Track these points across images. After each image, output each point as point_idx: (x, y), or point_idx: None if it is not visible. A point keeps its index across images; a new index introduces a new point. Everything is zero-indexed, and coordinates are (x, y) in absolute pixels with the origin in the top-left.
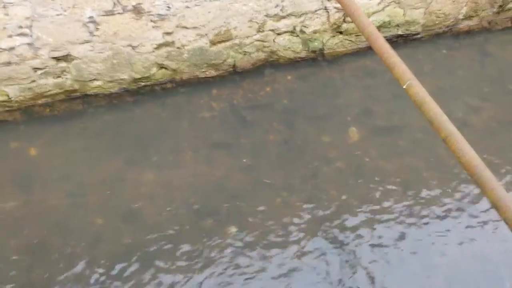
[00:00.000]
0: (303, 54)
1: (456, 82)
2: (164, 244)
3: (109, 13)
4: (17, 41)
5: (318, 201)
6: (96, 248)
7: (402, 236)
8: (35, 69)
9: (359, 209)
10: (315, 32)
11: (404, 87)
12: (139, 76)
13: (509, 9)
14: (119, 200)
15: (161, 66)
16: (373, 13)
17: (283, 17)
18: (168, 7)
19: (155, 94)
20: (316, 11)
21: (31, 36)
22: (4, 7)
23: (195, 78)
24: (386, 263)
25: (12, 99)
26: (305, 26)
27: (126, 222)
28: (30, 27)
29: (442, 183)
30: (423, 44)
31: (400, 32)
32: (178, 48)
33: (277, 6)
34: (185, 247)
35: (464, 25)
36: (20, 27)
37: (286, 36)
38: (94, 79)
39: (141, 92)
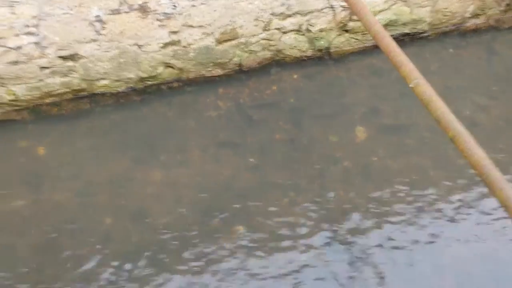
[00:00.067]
0: (309, 53)
1: (463, 80)
2: (172, 243)
3: (116, 12)
4: (24, 40)
5: (325, 200)
6: (104, 247)
7: (410, 236)
8: (42, 68)
9: (367, 209)
10: (321, 30)
11: (411, 86)
12: (145, 75)
13: None
14: (127, 199)
15: (168, 65)
16: (380, 11)
17: (289, 16)
18: (174, 6)
19: (162, 93)
20: (322, 9)
21: (38, 35)
22: (10, 5)
23: (201, 77)
24: (394, 263)
25: (19, 98)
26: (311, 25)
27: (134, 221)
28: (37, 26)
29: (450, 182)
30: (429, 43)
31: (406, 31)
32: (184, 47)
33: (283, 4)
34: (193, 247)
35: (471, 23)
36: (27, 26)
37: (292, 35)
38: (101, 78)
39: (148, 91)
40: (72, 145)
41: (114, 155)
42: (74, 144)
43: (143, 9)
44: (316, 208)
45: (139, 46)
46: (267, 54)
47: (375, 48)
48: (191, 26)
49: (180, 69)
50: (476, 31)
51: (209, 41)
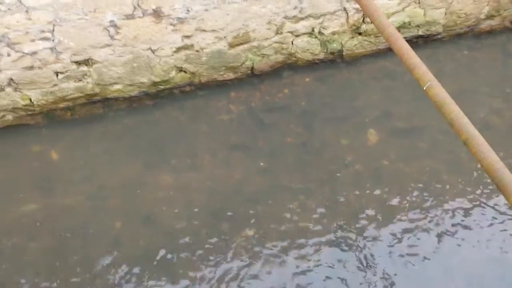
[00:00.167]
0: (322, 56)
1: (478, 83)
2: (182, 247)
3: (130, 17)
4: (40, 46)
5: (335, 204)
6: (115, 251)
7: (421, 240)
8: (57, 73)
9: (378, 213)
10: (334, 33)
11: (424, 88)
12: (158, 80)
13: None
14: (138, 203)
15: (180, 69)
16: (393, 13)
17: (302, 19)
18: (188, 10)
19: (174, 97)
20: (335, 12)
21: (53, 40)
22: (26, 11)
23: (213, 81)
24: (405, 267)
25: (34, 103)
26: (323, 28)
27: (145, 225)
28: (52, 31)
29: (463, 186)
30: (444, 45)
31: (420, 33)
32: (197, 51)
33: (295, 7)
34: (203, 250)
35: (486, 25)
36: (43, 31)
37: (305, 38)
38: (115, 83)
39: (161, 96)
40: (85, 149)
41: (127, 159)
42: (87, 149)
43: (157, 14)
44: (327, 211)
45: (153, 51)
46: (279, 57)
47: (388, 51)
48: (204, 31)
49: (193, 73)
50: (491, 32)
51: (222, 45)
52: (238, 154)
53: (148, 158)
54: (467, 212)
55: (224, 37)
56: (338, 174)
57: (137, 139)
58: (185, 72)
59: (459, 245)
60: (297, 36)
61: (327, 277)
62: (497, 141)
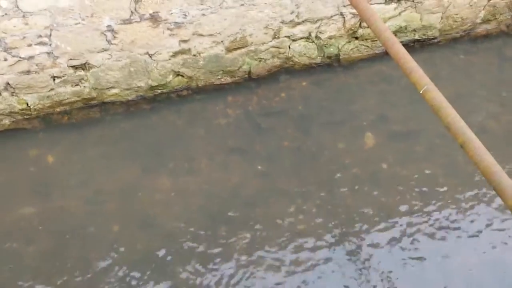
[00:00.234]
0: (319, 60)
1: (474, 87)
2: (179, 251)
3: (127, 21)
4: (37, 50)
5: (333, 208)
6: (113, 254)
7: (419, 243)
8: (54, 77)
9: (375, 216)
10: (330, 37)
11: (421, 92)
12: (155, 84)
13: None
14: (135, 207)
15: (177, 74)
16: (390, 18)
17: (299, 23)
18: (185, 15)
19: (171, 101)
20: (332, 16)
21: (50, 45)
22: (23, 16)
23: (210, 85)
24: (403, 271)
25: (31, 107)
26: (320, 32)
27: (142, 229)
28: (49, 36)
29: (460, 189)
30: (440, 49)
31: (416, 37)
32: (194, 55)
33: (292, 12)
34: (200, 254)
35: (482, 29)
36: (40, 36)
37: (302, 42)
38: (112, 87)
39: (158, 100)
40: (82, 153)
41: (124, 163)
42: (84, 153)
43: (154, 19)
44: (324, 215)
45: (150, 55)
46: (276, 61)
47: (385, 55)
48: (201, 35)
49: (190, 77)
50: (487, 36)
51: (219, 50)
52: (236, 158)
53: (145, 162)
54: (464, 215)
55: (221, 41)
56: (335, 178)
57: (134, 143)
58: (182, 76)
59: (457, 248)
60: (294, 40)
61: (325, 280)
62: (493, 145)
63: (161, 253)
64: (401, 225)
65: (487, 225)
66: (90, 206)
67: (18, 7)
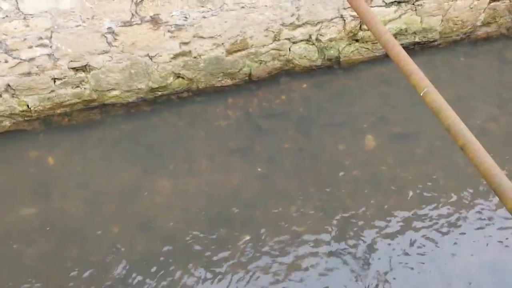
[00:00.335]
0: (319, 62)
1: (474, 89)
2: (179, 252)
3: (127, 23)
4: (37, 52)
5: (333, 210)
6: (112, 256)
7: (418, 246)
8: (54, 79)
9: (375, 218)
10: (331, 40)
11: (421, 94)
12: (156, 86)
13: None
14: (135, 209)
15: (178, 76)
16: (390, 20)
17: (299, 26)
18: (185, 17)
19: (172, 103)
20: (332, 19)
21: (50, 47)
22: (24, 18)
23: (211, 87)
24: (402, 273)
25: (31, 109)
26: (321, 35)
27: (141, 230)
28: (50, 38)
29: (460, 192)
30: (440, 52)
31: (417, 40)
32: (194, 57)
33: (293, 15)
34: (200, 255)
35: (482, 32)
36: (40, 38)
37: (302, 45)
38: (112, 89)
39: (158, 101)
40: (82, 155)
41: (124, 165)
42: (85, 154)
43: (155, 21)
44: (324, 217)
45: (150, 57)
46: (277, 64)
47: (385, 57)
48: (202, 37)
49: (190, 80)
50: (487, 39)
51: (219, 52)
52: (236, 160)
53: (145, 163)
54: (464, 217)
55: (222, 43)
56: (335, 180)
57: (134, 145)
58: (182, 78)
59: (457, 250)
60: (294, 43)
61: (325, 282)
62: (493, 147)
63: (161, 254)
64: (401, 227)
65: (487, 227)
66: (90, 207)
67: (19, 9)
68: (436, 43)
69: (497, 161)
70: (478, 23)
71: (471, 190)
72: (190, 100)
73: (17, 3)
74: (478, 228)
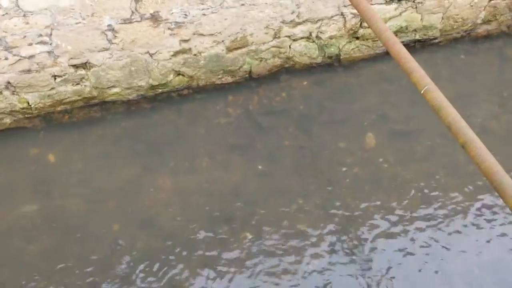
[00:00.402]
0: (319, 60)
1: (475, 87)
2: (180, 250)
3: (127, 21)
4: (37, 49)
5: (333, 208)
6: (112, 254)
7: (420, 244)
8: (55, 76)
9: (376, 216)
10: (331, 37)
11: (422, 92)
12: (156, 83)
13: None
14: (136, 206)
15: (178, 73)
16: (390, 18)
17: (299, 23)
18: (185, 14)
19: (172, 100)
20: (332, 17)
21: (50, 44)
22: (24, 15)
23: (211, 85)
24: (403, 271)
25: (32, 106)
26: (321, 32)
27: (142, 228)
28: (49, 35)
29: (460, 189)
30: (441, 49)
31: (417, 37)
32: (194, 55)
33: (293, 12)
34: (201, 253)
35: (483, 29)
36: (40, 35)
37: (302, 42)
38: (112, 86)
39: (158, 99)
40: (82, 152)
41: (124, 162)
42: (85, 152)
43: (155, 18)
44: (324, 215)
45: (151, 55)
46: (277, 61)
47: (386, 55)
48: (202, 35)
49: (191, 77)
50: (487, 37)
51: (220, 49)
52: (236, 157)
53: (146, 161)
54: (465, 215)
55: (222, 41)
56: (336, 177)
57: (135, 142)
58: (183, 75)
59: (458, 248)
60: (294, 40)
61: (326, 280)
62: (494, 145)
63: (162, 252)
64: (402, 225)
65: (489, 226)
66: (90, 205)
67: (18, 7)
68: (436, 40)
69: (498, 159)
70: (479, 21)
71: (472, 188)
72: (190, 98)
73: (17, 0)
74: (479, 227)
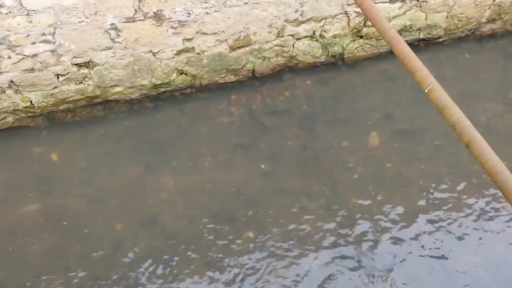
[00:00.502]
0: (323, 59)
1: (479, 86)
2: (182, 249)
3: (131, 20)
4: (41, 48)
5: (337, 207)
6: (114, 253)
7: (424, 244)
8: (58, 75)
9: (379, 216)
10: (335, 36)
11: (426, 91)
12: (159, 82)
13: None
14: (138, 206)
15: (181, 72)
16: (394, 17)
17: (303, 22)
18: (189, 13)
19: (175, 99)
20: (336, 15)
21: (54, 43)
22: (27, 14)
23: (214, 84)
24: (407, 271)
25: (34, 105)
26: (325, 31)
27: (145, 227)
28: (53, 34)
29: (464, 189)
30: (445, 48)
31: (421, 36)
32: (197, 54)
33: (296, 11)
34: (203, 252)
35: (487, 28)
36: (43, 34)
37: (306, 41)
38: (115, 85)
39: (161, 98)
40: (85, 151)
41: (127, 162)
42: (88, 150)
43: (158, 17)
44: (327, 215)
45: (154, 54)
46: (280, 60)
47: (390, 54)
48: (205, 33)
49: (193, 76)
50: (492, 36)
51: (223, 48)
52: (239, 157)
53: (148, 160)
54: (469, 215)
55: (225, 40)
56: (339, 177)
57: (137, 141)
58: (186, 74)
59: (462, 248)
60: (298, 39)
61: (329, 279)
62: (499, 144)
63: (164, 251)
64: (405, 224)
65: (493, 225)
66: (93, 204)
67: (22, 5)
68: (441, 39)
69: (503, 158)
70: (483, 20)
71: (476, 188)
72: (193, 97)
73: None
74: (483, 226)
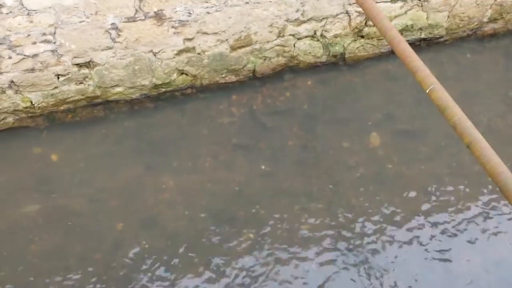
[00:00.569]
0: (324, 59)
1: (481, 86)
2: (182, 249)
3: (131, 19)
4: (41, 48)
5: (337, 208)
6: (114, 253)
7: (423, 244)
8: (58, 75)
9: (380, 217)
10: (336, 36)
11: (427, 91)
12: (159, 82)
13: None
14: (138, 206)
15: (182, 72)
16: (396, 16)
17: (304, 22)
18: (189, 13)
19: (175, 100)
20: (337, 15)
21: (54, 43)
22: (28, 14)
23: (215, 84)
24: (407, 271)
25: (35, 105)
26: (326, 31)
27: (145, 227)
28: (53, 34)
29: (465, 190)
30: (446, 48)
31: (423, 36)
32: (198, 54)
33: (297, 10)
34: (203, 253)
35: (489, 28)
36: (44, 34)
37: (307, 41)
38: (116, 85)
39: (162, 98)
40: (85, 151)
41: (127, 162)
42: (88, 151)
43: (159, 17)
44: (328, 215)
45: (154, 53)
46: (281, 60)
47: (391, 54)
48: (206, 33)
49: (194, 76)
50: (493, 35)
51: (223, 48)
52: (240, 157)
53: (149, 160)
54: (470, 216)
55: (226, 40)
56: (340, 177)
57: (138, 141)
58: (186, 74)
59: (463, 248)
60: (299, 39)
61: (329, 279)
62: (500, 145)
63: (164, 251)
64: (406, 225)
65: (493, 226)
66: (93, 204)
67: (22, 5)
68: (442, 39)
69: (504, 159)
70: (485, 20)
71: (477, 189)
72: (193, 97)
73: None
74: (483, 227)
